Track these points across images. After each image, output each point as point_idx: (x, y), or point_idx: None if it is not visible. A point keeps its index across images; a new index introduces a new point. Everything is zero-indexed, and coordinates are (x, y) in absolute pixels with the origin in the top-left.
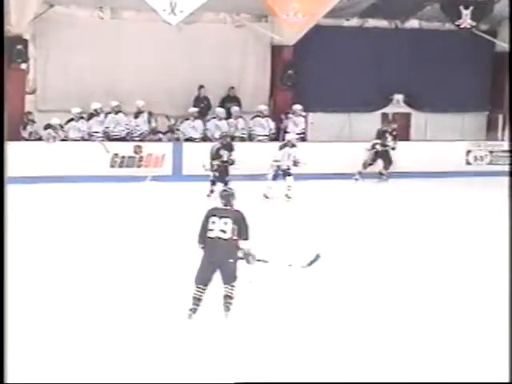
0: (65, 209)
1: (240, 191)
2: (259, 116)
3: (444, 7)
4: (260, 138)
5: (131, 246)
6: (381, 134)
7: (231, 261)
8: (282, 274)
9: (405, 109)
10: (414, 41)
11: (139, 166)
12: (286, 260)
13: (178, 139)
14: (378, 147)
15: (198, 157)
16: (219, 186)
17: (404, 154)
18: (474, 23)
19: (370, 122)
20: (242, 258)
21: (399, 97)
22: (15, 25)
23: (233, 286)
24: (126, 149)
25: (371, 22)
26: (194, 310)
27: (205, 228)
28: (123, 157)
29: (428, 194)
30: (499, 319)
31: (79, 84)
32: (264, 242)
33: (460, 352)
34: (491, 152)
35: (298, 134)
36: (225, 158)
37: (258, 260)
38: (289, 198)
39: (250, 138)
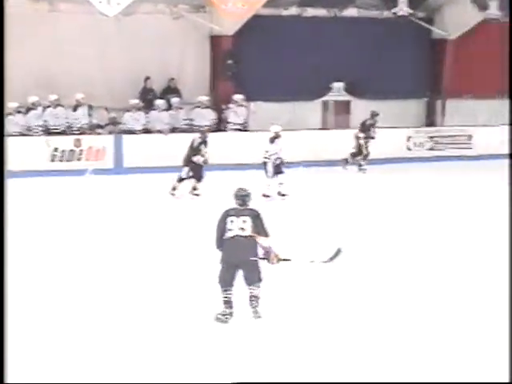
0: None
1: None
2: (200, 107)
3: None
4: (201, 129)
5: (73, 240)
6: (367, 128)
7: (253, 258)
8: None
9: (345, 97)
10: (352, 29)
11: (80, 160)
12: (307, 257)
13: (123, 132)
14: (361, 139)
15: (139, 149)
16: (185, 184)
17: (346, 142)
18: (410, 11)
19: (311, 110)
20: (263, 258)
21: (339, 85)
22: None
23: (258, 286)
24: (65, 142)
25: (310, 11)
26: (230, 314)
27: (222, 230)
28: (63, 151)
29: (373, 180)
30: (499, 319)
31: (17, 78)
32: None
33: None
34: (431, 138)
35: (239, 123)
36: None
37: (281, 259)
38: (283, 195)
39: (192, 129)
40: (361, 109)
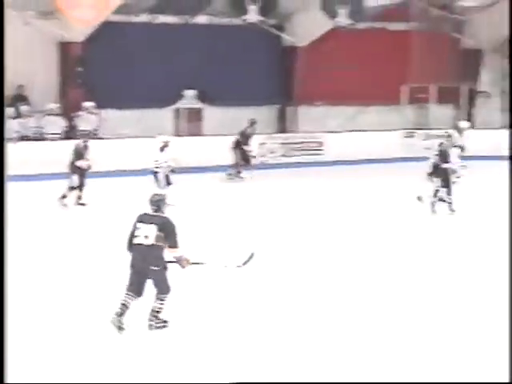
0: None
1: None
2: (50, 114)
3: (231, 2)
4: (52, 136)
5: None
6: (246, 136)
7: (155, 268)
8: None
9: (197, 104)
10: (204, 36)
11: None
12: (219, 261)
13: None
14: (246, 149)
15: None
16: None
17: (197, 149)
18: (261, 18)
19: (163, 117)
20: (174, 262)
21: (191, 92)
22: None
23: (163, 300)
24: None
25: (161, 18)
26: (118, 314)
27: (131, 235)
28: None
29: (232, 187)
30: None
31: None
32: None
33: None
34: (283, 144)
35: (90, 131)
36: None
37: (193, 263)
38: (172, 205)
39: (42, 137)
40: (213, 116)
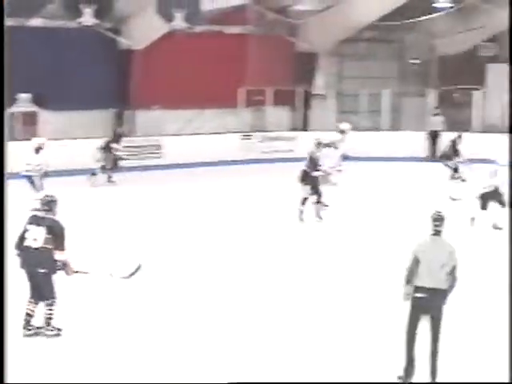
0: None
1: None
2: None
3: (66, 5)
4: None
5: None
6: (118, 137)
7: (42, 271)
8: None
9: (32, 108)
10: (39, 39)
11: None
12: (105, 271)
13: None
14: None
15: None
16: None
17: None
18: (96, 21)
19: None
20: (60, 269)
21: (25, 95)
22: None
23: (51, 306)
24: None
25: None
26: (24, 327)
27: (21, 236)
28: None
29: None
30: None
31: None
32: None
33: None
34: (126, 147)
35: None
36: None
37: (77, 271)
38: None
39: None
40: (49, 120)
